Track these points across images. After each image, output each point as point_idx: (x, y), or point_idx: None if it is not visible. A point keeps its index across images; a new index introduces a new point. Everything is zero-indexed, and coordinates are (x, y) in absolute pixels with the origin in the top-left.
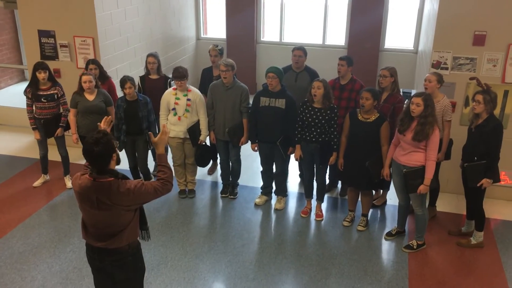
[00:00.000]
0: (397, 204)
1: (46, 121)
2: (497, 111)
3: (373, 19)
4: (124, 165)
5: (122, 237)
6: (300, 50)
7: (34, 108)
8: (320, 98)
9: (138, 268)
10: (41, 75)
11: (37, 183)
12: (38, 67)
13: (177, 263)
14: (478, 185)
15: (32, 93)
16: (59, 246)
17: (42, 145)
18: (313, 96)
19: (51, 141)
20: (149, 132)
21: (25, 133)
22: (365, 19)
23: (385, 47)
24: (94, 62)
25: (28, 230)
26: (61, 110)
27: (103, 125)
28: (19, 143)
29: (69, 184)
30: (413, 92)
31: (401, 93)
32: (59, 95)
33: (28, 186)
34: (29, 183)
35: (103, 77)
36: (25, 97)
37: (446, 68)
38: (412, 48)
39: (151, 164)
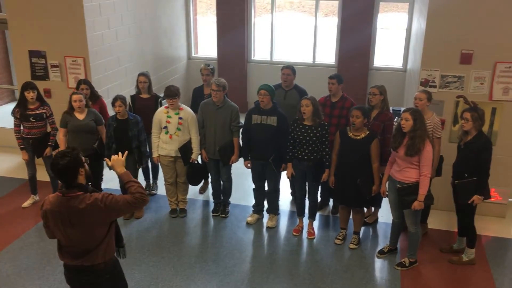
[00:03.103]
0: (389, 221)
1: (35, 140)
2: (485, 128)
3: (362, 38)
4: (114, 184)
5: (97, 253)
6: (288, 69)
7: (22, 128)
8: (310, 115)
9: (117, 287)
10: (30, 95)
11: (26, 203)
12: (26, 86)
13: (168, 284)
14: (469, 202)
15: (21, 113)
16: (48, 268)
17: (30, 165)
18: (302, 114)
19: (39, 161)
20: (105, 158)
21: (14, 153)
22: (354, 38)
23: (374, 65)
24: (86, 82)
25: (16, 252)
26: (49, 129)
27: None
28: (9, 163)
29: None
30: (402, 109)
31: (391, 111)
32: (48, 114)
33: (17, 206)
34: (18, 203)
35: (94, 97)
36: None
37: (435, 86)
38: (401, 67)
39: (141, 183)
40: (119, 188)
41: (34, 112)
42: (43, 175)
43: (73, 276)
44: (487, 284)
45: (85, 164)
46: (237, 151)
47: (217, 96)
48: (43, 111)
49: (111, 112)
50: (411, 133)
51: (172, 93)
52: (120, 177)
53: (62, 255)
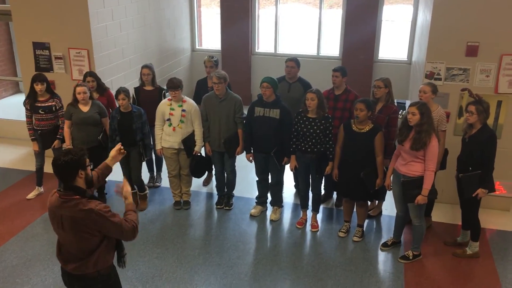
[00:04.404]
0: (392, 214)
1: (43, 132)
2: (490, 121)
3: (367, 30)
4: (118, 176)
5: (88, 263)
6: (292, 61)
7: (33, 119)
8: (314, 108)
9: None
10: (38, 87)
11: (31, 195)
12: (36, 79)
13: (171, 276)
14: (473, 195)
15: (31, 104)
16: (52, 259)
17: (40, 156)
18: (307, 107)
19: (47, 153)
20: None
21: (19, 145)
22: (359, 30)
23: (379, 58)
24: (92, 74)
25: (21, 243)
26: (59, 122)
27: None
28: (13, 155)
29: None
30: (407, 102)
31: (396, 104)
32: (57, 107)
33: (22, 198)
34: (23, 195)
35: (101, 89)
36: (23, 108)
37: (440, 79)
38: (406, 59)
39: (145, 175)
40: (122, 181)
41: (43, 104)
42: (50, 167)
43: (67, 279)
44: (490, 277)
45: (88, 167)
46: (242, 143)
47: (219, 88)
48: (53, 103)
49: None
50: (418, 127)
51: (174, 85)
52: (126, 205)
53: (59, 255)
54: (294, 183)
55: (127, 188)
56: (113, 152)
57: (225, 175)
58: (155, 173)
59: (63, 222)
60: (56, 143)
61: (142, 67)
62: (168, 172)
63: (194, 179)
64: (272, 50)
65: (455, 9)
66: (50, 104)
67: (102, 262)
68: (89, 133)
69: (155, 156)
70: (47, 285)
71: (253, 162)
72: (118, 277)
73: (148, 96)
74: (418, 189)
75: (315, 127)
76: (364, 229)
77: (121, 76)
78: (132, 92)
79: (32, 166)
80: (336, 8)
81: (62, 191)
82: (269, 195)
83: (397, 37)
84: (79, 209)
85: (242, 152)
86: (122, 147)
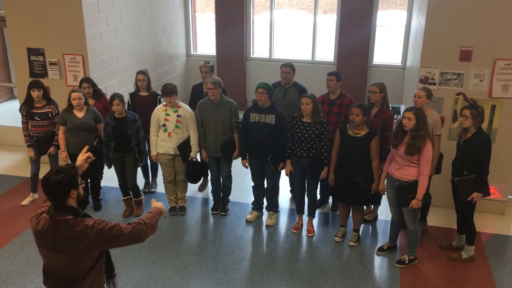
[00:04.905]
0: (388, 219)
1: (39, 139)
2: (484, 126)
3: (361, 36)
4: (113, 182)
5: (83, 286)
6: (288, 67)
7: (29, 125)
8: (310, 113)
9: None
10: (35, 93)
11: (25, 201)
12: (32, 85)
13: (167, 282)
14: (468, 199)
15: (27, 110)
16: None
17: (35, 163)
18: (302, 111)
19: (43, 159)
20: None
21: (13, 151)
22: (353, 35)
23: (373, 63)
24: (88, 80)
25: (16, 250)
26: (55, 129)
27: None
28: (8, 161)
29: None
30: (402, 107)
31: (390, 108)
32: (54, 113)
33: (16, 204)
34: (17, 201)
35: (97, 95)
36: (18, 114)
37: (434, 83)
38: (400, 64)
39: (140, 181)
40: (119, 187)
41: (39, 111)
42: (45, 173)
43: None
44: (486, 281)
45: (80, 186)
46: (239, 147)
47: (215, 94)
48: (49, 110)
49: None
50: (413, 132)
51: (169, 90)
52: (153, 210)
53: (46, 281)
54: (289, 188)
55: (157, 204)
56: (79, 161)
57: (221, 180)
58: (150, 179)
59: (56, 245)
60: (51, 149)
61: (137, 73)
62: (164, 178)
63: (190, 185)
64: (267, 55)
65: (449, 14)
66: (46, 110)
67: (97, 283)
68: (84, 139)
69: (150, 161)
70: None
71: (248, 168)
72: None
73: (143, 102)
74: (413, 193)
75: (310, 132)
76: (360, 233)
77: (116, 82)
78: (127, 97)
79: (26, 172)
80: (330, 14)
81: (54, 212)
82: (264, 200)
83: (391, 42)
84: (74, 230)
85: (239, 157)
86: (91, 155)
